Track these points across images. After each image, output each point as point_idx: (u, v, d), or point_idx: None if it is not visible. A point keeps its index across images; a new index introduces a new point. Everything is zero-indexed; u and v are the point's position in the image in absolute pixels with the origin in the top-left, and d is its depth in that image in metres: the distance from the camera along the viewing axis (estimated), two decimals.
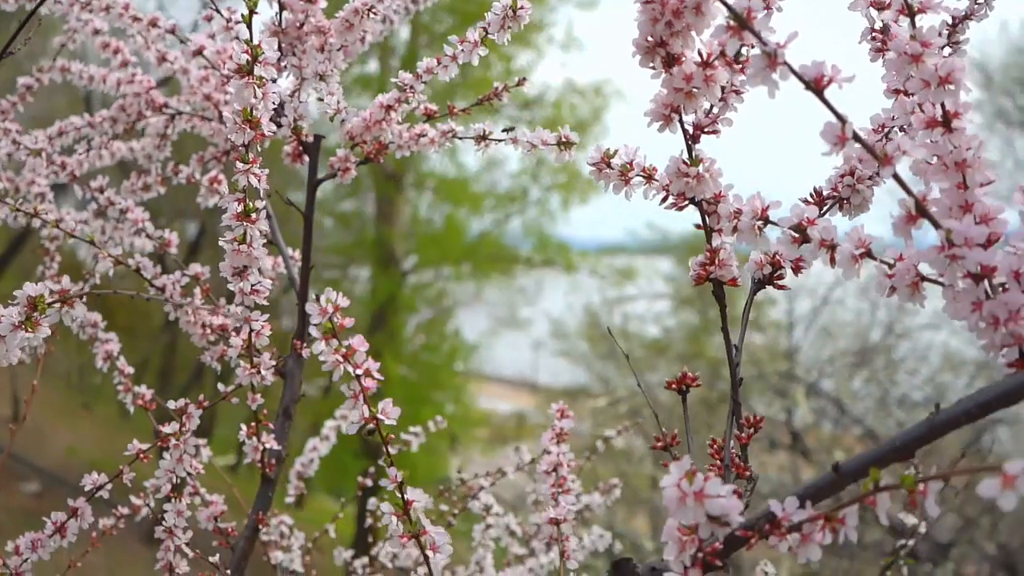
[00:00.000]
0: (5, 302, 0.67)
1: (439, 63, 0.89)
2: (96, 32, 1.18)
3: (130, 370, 1.09)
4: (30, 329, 0.66)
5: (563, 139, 0.83)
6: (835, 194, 0.67)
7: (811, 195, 0.68)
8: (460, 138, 0.94)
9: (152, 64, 1.18)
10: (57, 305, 0.65)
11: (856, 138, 0.50)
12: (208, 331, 1.01)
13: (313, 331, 0.60)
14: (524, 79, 0.98)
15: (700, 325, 9.70)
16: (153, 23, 1.08)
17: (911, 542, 1.08)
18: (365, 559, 1.33)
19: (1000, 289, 0.51)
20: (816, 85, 0.50)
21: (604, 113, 10.26)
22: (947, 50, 0.71)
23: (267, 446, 0.96)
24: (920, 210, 0.51)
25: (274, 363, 0.90)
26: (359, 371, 0.61)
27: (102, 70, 1.22)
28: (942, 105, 0.53)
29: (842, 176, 0.67)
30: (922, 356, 7.54)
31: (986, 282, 0.52)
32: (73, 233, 0.97)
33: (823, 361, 6.96)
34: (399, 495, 0.64)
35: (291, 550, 1.24)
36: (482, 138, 0.92)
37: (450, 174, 11.64)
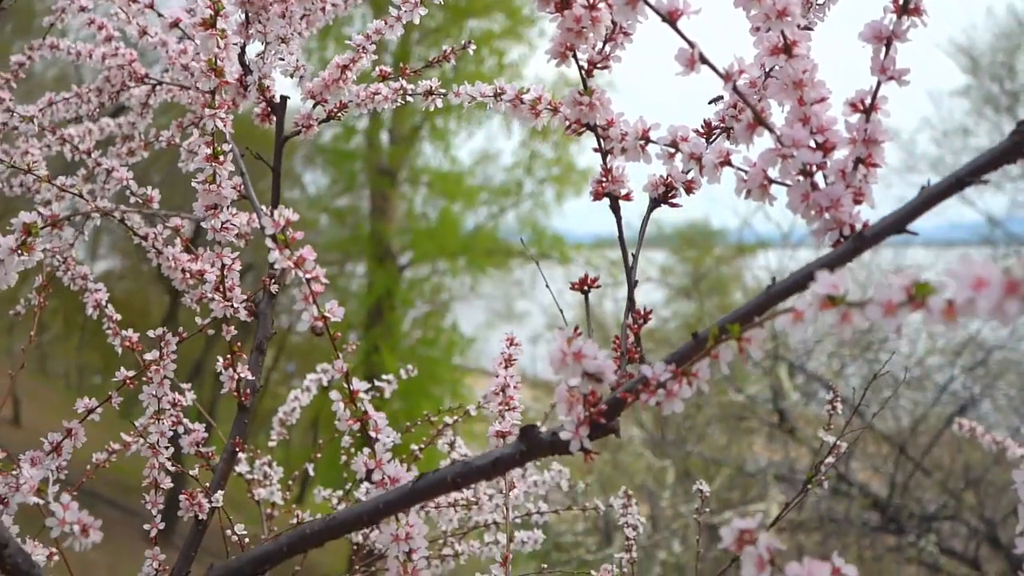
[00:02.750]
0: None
1: (387, 23, 0.99)
2: (82, 9, 1.29)
3: (118, 316, 1.19)
4: (25, 252, 0.77)
5: (499, 91, 0.93)
6: (722, 124, 0.77)
7: (702, 125, 0.78)
8: (410, 95, 1.05)
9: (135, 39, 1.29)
10: (48, 228, 0.76)
11: (703, 60, 0.60)
12: (187, 276, 1.11)
13: (268, 241, 0.70)
14: (470, 42, 1.08)
15: (695, 314, 9.82)
16: None
17: (830, 459, 1.19)
18: (340, 492, 1.44)
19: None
20: (671, 17, 0.60)
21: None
22: None
23: (242, 376, 1.06)
24: (758, 119, 0.61)
25: (245, 297, 1.00)
26: (309, 276, 0.71)
27: (88, 45, 1.32)
28: (783, 34, 0.63)
29: (728, 108, 0.77)
30: (913, 340, 7.67)
31: (822, 179, 0.63)
32: (64, 187, 1.08)
33: (810, 341, 7.08)
34: (346, 385, 0.74)
35: (271, 484, 1.35)
36: (429, 93, 1.03)
37: (444, 169, 11.74)
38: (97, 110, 1.30)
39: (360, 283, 11.59)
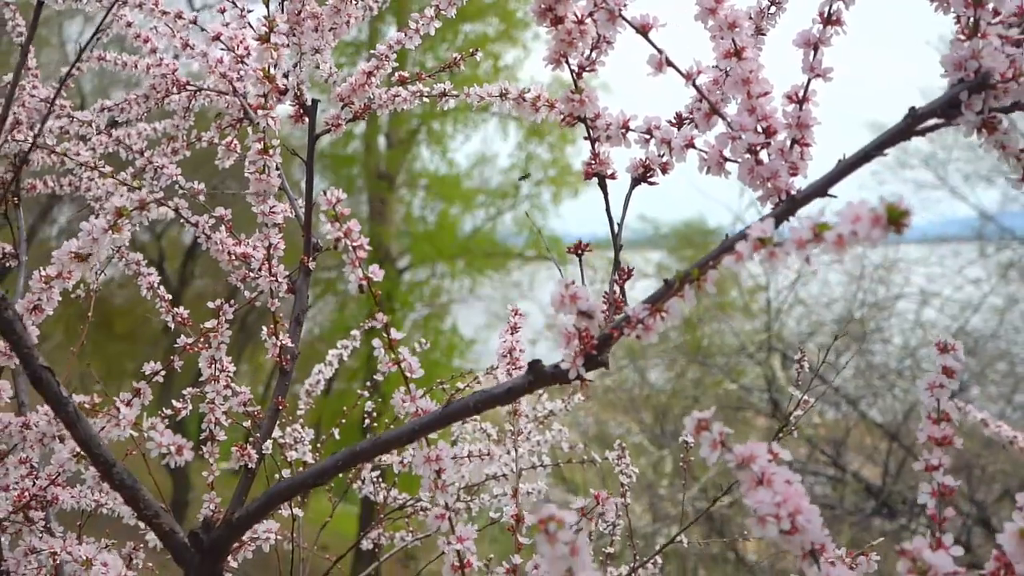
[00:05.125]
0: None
1: (406, 34, 1.16)
2: (129, 25, 1.45)
3: (169, 296, 1.35)
4: (116, 232, 0.93)
5: (503, 91, 1.09)
6: (690, 116, 0.93)
7: (674, 116, 0.94)
8: (426, 97, 1.21)
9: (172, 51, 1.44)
10: (137, 211, 0.92)
11: (669, 63, 0.76)
12: (232, 258, 1.27)
13: (322, 216, 0.86)
14: (476, 50, 1.25)
15: (694, 311, 9.98)
16: (179, 16, 1.34)
17: (799, 413, 1.35)
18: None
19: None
20: (643, 30, 0.76)
21: None
22: (773, 8, 0.98)
23: (284, 344, 1.22)
24: (713, 110, 0.77)
25: (288, 274, 1.16)
26: (355, 244, 0.87)
27: (134, 57, 1.48)
28: (733, 41, 0.79)
29: (695, 102, 0.93)
30: (910, 329, 7.85)
31: (766, 156, 0.79)
32: (123, 180, 1.24)
33: (803, 334, 7.26)
34: (386, 336, 0.90)
35: (304, 443, 1.51)
36: (443, 95, 1.19)
37: (441, 172, 11.91)
38: (144, 115, 1.46)
39: None
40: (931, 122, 0.71)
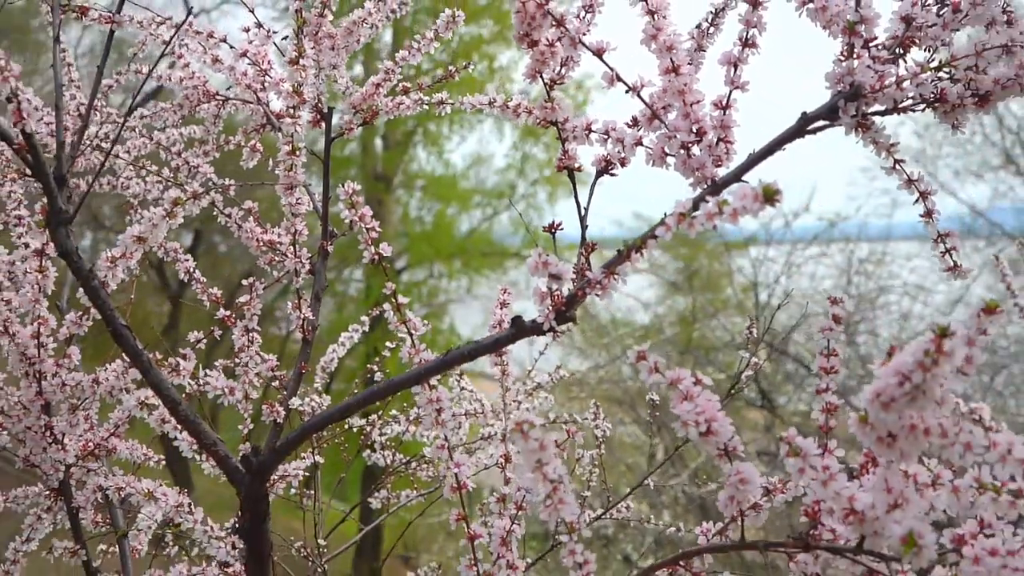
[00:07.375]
0: None
1: (409, 52, 1.36)
2: (165, 43, 1.65)
3: (204, 280, 1.55)
4: (171, 218, 1.13)
5: (491, 100, 1.29)
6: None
7: (631, 119, 1.14)
8: (427, 104, 1.41)
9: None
10: (191, 200, 1.12)
11: (618, 79, 0.97)
12: (260, 243, 1.47)
13: (340, 203, 1.07)
14: (469, 63, 1.45)
15: (689, 311, 10.19)
16: (210, 35, 1.54)
17: (749, 373, 1.55)
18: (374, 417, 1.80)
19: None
20: (598, 52, 0.97)
21: (586, 107, 10.75)
22: (712, 29, 1.18)
23: (306, 316, 1.42)
24: (654, 115, 0.98)
25: (310, 255, 1.37)
26: (368, 226, 1.08)
27: (169, 70, 1.68)
28: (671, 60, 0.99)
29: (644, 110, 1.14)
30: (898, 321, 8.07)
31: (697, 150, 0.99)
32: (167, 178, 1.44)
33: (792, 326, 7.47)
34: (394, 300, 1.11)
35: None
36: (441, 103, 1.39)
37: (438, 173, 12.11)
38: (180, 121, 1.66)
39: (358, 287, 11.94)
40: (819, 123, 0.91)
